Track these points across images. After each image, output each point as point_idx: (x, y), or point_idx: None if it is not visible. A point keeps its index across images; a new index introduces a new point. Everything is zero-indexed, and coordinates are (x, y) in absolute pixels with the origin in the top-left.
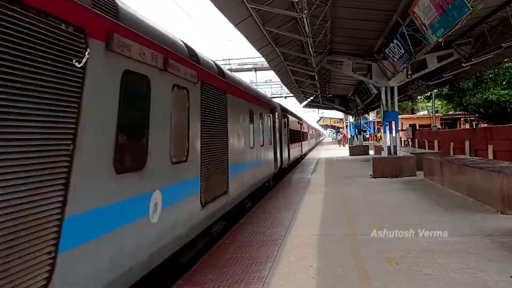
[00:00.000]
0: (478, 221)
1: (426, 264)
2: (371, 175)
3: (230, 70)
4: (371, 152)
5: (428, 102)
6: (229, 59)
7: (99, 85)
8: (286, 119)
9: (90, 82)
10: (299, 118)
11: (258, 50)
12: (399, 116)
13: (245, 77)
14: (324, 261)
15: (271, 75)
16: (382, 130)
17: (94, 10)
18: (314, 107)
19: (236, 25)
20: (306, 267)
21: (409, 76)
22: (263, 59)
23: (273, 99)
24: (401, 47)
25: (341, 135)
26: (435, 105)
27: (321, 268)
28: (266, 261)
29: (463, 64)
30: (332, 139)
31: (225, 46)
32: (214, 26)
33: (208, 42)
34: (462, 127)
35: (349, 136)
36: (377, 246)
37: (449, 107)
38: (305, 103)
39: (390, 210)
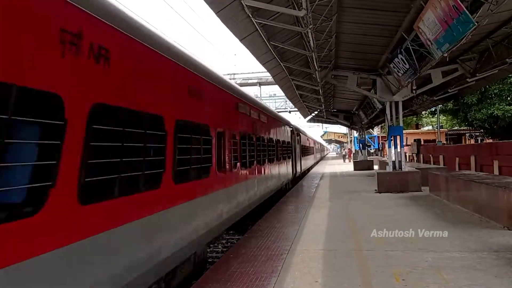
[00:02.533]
0: (484, 237)
1: (432, 280)
2: (376, 190)
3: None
4: (376, 167)
5: (433, 117)
6: (234, 74)
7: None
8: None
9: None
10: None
11: (263, 64)
12: (404, 131)
13: (250, 92)
14: (330, 276)
15: (276, 89)
16: (386, 145)
17: None
18: (318, 121)
19: (241, 40)
20: (311, 282)
21: (414, 91)
22: (267, 74)
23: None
24: (405, 62)
25: (346, 149)
26: (440, 120)
27: (327, 283)
28: (271, 276)
29: (467, 79)
30: (336, 153)
31: (231, 59)
32: (220, 39)
33: (213, 54)
34: (467, 143)
35: (353, 151)
36: (383, 261)
37: (454, 122)
38: (309, 117)
39: (396, 225)
